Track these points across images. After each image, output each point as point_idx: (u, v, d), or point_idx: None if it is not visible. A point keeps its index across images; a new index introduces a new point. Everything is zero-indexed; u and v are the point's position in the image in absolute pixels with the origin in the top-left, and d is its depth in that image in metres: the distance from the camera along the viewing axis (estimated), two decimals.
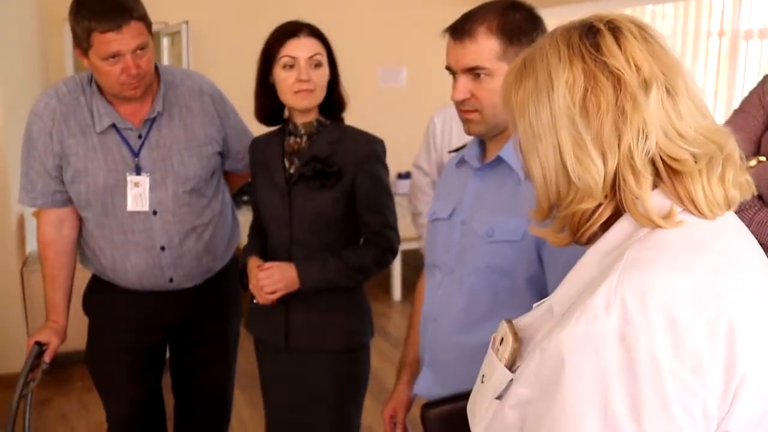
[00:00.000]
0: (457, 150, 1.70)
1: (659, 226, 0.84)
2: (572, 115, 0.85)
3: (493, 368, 0.94)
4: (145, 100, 2.06)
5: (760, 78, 2.34)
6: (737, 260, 0.85)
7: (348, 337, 2.04)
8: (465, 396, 1.39)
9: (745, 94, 2.53)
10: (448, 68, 1.46)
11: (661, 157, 0.84)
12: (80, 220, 2.15)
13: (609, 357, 0.76)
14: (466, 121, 1.47)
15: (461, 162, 1.60)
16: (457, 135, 3.01)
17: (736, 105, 2.22)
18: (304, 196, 1.96)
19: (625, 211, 0.86)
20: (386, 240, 2.01)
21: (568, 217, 0.89)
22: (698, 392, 0.76)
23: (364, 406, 2.15)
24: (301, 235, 1.99)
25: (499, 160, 1.47)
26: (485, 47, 1.39)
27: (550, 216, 0.92)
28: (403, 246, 3.78)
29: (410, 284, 1.95)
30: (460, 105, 1.45)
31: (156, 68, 2.10)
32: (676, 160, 0.84)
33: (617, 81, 0.84)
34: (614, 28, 0.87)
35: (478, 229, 1.46)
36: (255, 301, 2.03)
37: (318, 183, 1.93)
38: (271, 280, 1.95)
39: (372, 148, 1.99)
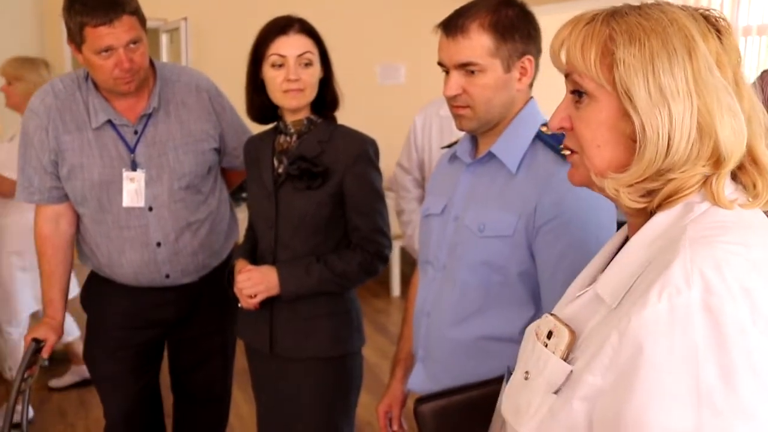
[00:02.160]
0: (449, 146, 1.70)
1: (726, 206, 0.87)
2: (722, 82, 0.87)
3: (545, 362, 0.93)
4: (140, 96, 2.07)
5: (759, 73, 2.32)
6: None
7: (334, 344, 1.95)
8: (457, 391, 1.40)
9: None
10: (440, 64, 1.46)
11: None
12: (77, 217, 2.16)
13: (696, 328, 0.77)
14: (457, 117, 1.47)
15: (453, 158, 1.61)
16: (437, 133, 3.05)
17: None
18: (290, 196, 1.90)
19: (678, 195, 0.88)
20: (375, 245, 1.92)
21: (678, 181, 0.88)
22: None
23: (363, 403, 2.13)
24: (286, 238, 1.92)
25: (490, 156, 1.48)
26: (478, 44, 1.39)
27: (644, 181, 0.90)
28: (402, 242, 3.79)
29: (409, 280, 1.93)
30: (451, 101, 1.45)
31: (152, 64, 2.10)
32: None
33: (735, 69, 0.90)
34: (726, 21, 0.92)
35: (470, 225, 1.47)
36: (239, 305, 1.98)
37: (304, 183, 1.87)
38: (250, 282, 1.89)
39: (363, 149, 1.90)
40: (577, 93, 0.94)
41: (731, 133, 0.86)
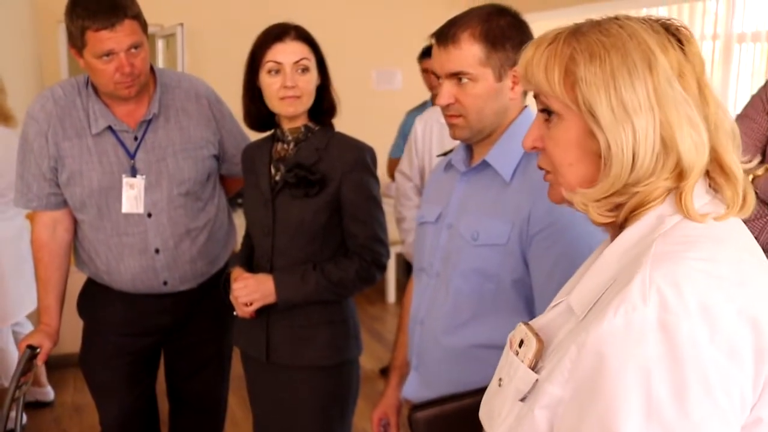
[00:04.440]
0: (445, 154, 1.71)
1: (696, 220, 0.87)
2: (682, 94, 0.87)
3: (515, 370, 0.94)
4: (140, 102, 2.07)
5: (753, 80, 2.30)
6: (751, 255, 0.88)
7: (332, 352, 1.94)
8: (451, 398, 1.41)
9: (739, 97, 2.45)
10: (433, 73, 1.47)
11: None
12: (75, 223, 2.16)
13: (650, 346, 0.78)
14: (451, 126, 1.48)
15: (449, 166, 1.62)
16: (437, 139, 3.04)
17: (728, 107, 2.17)
18: (287, 204, 1.88)
19: (642, 208, 0.89)
20: (372, 253, 1.91)
21: (642, 194, 0.89)
22: (735, 377, 0.78)
23: (360, 410, 2.12)
24: (283, 245, 1.91)
25: (484, 164, 1.48)
26: (468, 53, 1.40)
27: (612, 195, 0.91)
28: (398, 249, 3.80)
29: (405, 287, 1.93)
30: (445, 110, 1.46)
31: (152, 70, 2.11)
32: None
33: (699, 77, 0.90)
34: (687, 30, 0.93)
35: (464, 233, 1.47)
36: (235, 313, 1.97)
37: (301, 191, 1.86)
38: (246, 290, 1.88)
39: (360, 156, 1.89)
40: (547, 112, 0.95)
41: (692, 146, 0.87)
